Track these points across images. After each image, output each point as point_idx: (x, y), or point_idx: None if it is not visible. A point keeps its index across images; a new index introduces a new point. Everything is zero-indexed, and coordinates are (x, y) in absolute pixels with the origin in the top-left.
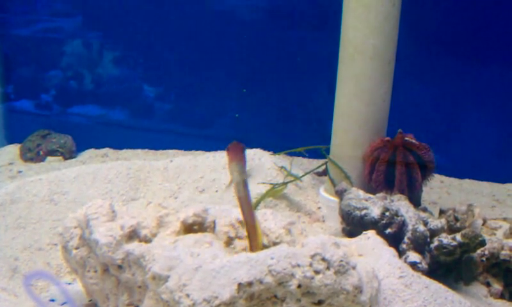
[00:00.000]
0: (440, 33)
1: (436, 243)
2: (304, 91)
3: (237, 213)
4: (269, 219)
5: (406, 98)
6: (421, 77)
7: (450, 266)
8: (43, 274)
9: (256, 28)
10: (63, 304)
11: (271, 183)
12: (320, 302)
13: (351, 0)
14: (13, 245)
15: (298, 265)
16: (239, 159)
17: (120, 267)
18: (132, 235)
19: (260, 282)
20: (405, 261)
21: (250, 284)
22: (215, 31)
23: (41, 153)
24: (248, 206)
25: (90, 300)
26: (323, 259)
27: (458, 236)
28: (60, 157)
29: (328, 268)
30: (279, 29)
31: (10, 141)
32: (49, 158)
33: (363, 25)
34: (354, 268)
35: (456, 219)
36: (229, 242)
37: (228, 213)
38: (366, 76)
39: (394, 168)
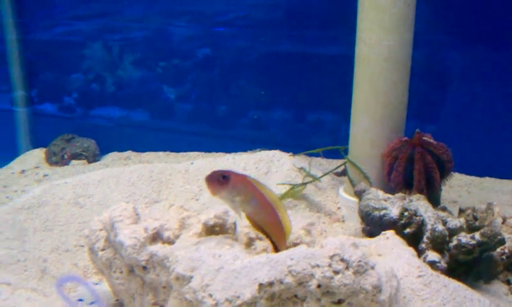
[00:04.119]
0: (459, 29)
1: (455, 242)
2: (322, 92)
3: None
4: None
5: (425, 96)
6: (440, 75)
7: (470, 265)
8: (74, 278)
9: (274, 29)
10: (91, 304)
11: (291, 184)
12: (340, 301)
13: (365, 2)
14: (41, 247)
15: (317, 266)
16: (218, 189)
17: (144, 268)
18: (156, 236)
19: (281, 282)
20: (424, 261)
21: (271, 284)
22: (233, 32)
23: (66, 156)
24: (266, 209)
25: (117, 300)
26: (342, 260)
27: (477, 235)
28: (84, 160)
29: (346, 268)
30: (297, 31)
31: (35, 145)
32: (73, 161)
33: (377, 27)
34: (372, 268)
35: (475, 218)
36: (250, 243)
37: None
38: (381, 77)
39: (413, 168)
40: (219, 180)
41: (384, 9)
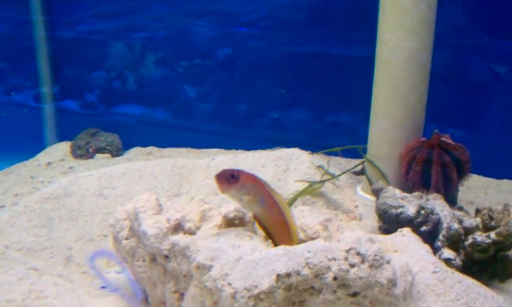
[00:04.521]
0: (479, 29)
1: (470, 240)
2: (342, 93)
3: None
4: (306, 216)
5: (443, 98)
6: (459, 77)
7: (485, 263)
8: (105, 253)
9: (295, 30)
10: (113, 291)
11: (309, 181)
12: (355, 294)
13: (386, 4)
14: (67, 235)
15: (334, 259)
16: (226, 188)
17: (166, 256)
18: (178, 227)
19: (298, 274)
20: (439, 258)
21: (288, 275)
22: (255, 32)
23: (91, 150)
24: (267, 216)
25: (139, 288)
26: (358, 254)
27: (492, 234)
28: (108, 154)
29: (362, 262)
30: (317, 31)
31: (61, 139)
32: (98, 155)
33: (398, 29)
34: (388, 262)
35: (491, 218)
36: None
37: None
38: (401, 78)
39: (430, 168)
40: (228, 179)
41: (405, 11)
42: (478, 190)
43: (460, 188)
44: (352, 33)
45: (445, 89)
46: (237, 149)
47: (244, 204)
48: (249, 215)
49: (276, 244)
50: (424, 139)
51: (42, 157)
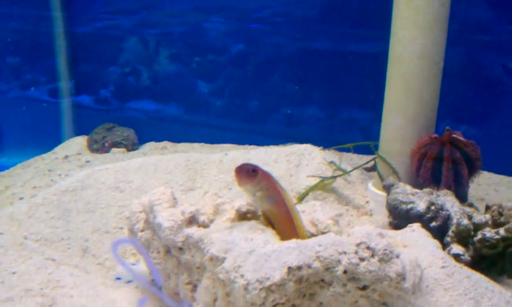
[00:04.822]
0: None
1: (479, 236)
2: (354, 88)
3: None
4: (318, 210)
5: (456, 95)
6: (472, 75)
7: (494, 259)
8: (127, 240)
9: (308, 26)
10: (128, 283)
11: (320, 177)
12: (364, 287)
13: (400, 1)
14: (83, 227)
15: (344, 252)
16: (245, 181)
17: (180, 249)
18: (192, 220)
19: (309, 266)
20: (448, 253)
21: (299, 268)
22: (268, 28)
23: (107, 144)
24: (276, 214)
25: (153, 279)
26: (368, 248)
27: (501, 231)
28: (123, 149)
29: (372, 256)
30: (331, 28)
31: (77, 133)
32: (114, 149)
33: (412, 26)
34: (397, 256)
35: (500, 214)
36: None
37: None
38: (414, 75)
39: (441, 164)
40: (249, 173)
41: (419, 8)
42: (488, 187)
43: (471, 185)
44: (365, 30)
45: (457, 86)
46: (250, 145)
47: (257, 199)
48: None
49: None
50: (435, 135)
51: (59, 151)
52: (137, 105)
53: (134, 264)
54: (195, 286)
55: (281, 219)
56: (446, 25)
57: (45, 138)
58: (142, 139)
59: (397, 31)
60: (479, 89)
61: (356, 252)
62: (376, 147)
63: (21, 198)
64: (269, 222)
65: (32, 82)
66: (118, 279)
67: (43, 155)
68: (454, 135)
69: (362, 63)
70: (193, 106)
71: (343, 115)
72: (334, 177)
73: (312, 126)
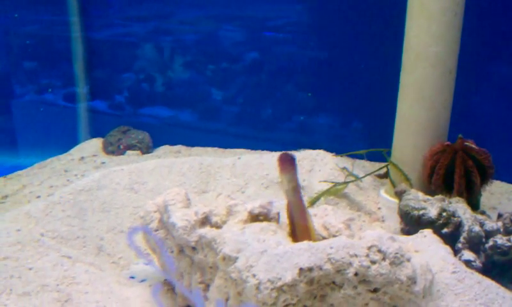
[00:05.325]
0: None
1: (490, 243)
2: (367, 96)
3: None
4: (330, 214)
5: (468, 103)
6: (484, 83)
7: (505, 266)
8: (142, 228)
9: (321, 33)
10: (141, 281)
11: (333, 182)
12: (375, 290)
13: (414, 10)
14: (98, 226)
15: (355, 255)
16: (288, 170)
17: (193, 248)
18: (205, 220)
19: (320, 268)
20: (460, 259)
21: (310, 269)
22: (282, 37)
23: (122, 147)
24: (299, 209)
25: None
26: (379, 251)
27: None
28: (138, 151)
29: (383, 259)
30: (343, 35)
31: (93, 135)
32: (128, 152)
33: (425, 34)
34: (408, 260)
35: None
36: None
37: None
38: (427, 83)
39: (453, 172)
40: (292, 161)
41: (432, 17)
42: (501, 195)
43: (483, 193)
44: (378, 39)
45: (470, 95)
46: (262, 150)
47: (289, 191)
48: (274, 211)
49: (296, 239)
50: (447, 143)
51: (75, 152)
52: (151, 111)
53: (147, 263)
54: (208, 286)
55: (300, 216)
56: (459, 34)
57: (61, 140)
58: (156, 143)
59: (410, 40)
60: (491, 98)
61: (367, 255)
62: (389, 154)
63: (38, 196)
64: (289, 217)
65: (49, 86)
66: (132, 277)
67: (60, 156)
68: (467, 143)
69: (376, 72)
70: (206, 113)
71: (356, 124)
72: (346, 183)
73: (325, 135)
